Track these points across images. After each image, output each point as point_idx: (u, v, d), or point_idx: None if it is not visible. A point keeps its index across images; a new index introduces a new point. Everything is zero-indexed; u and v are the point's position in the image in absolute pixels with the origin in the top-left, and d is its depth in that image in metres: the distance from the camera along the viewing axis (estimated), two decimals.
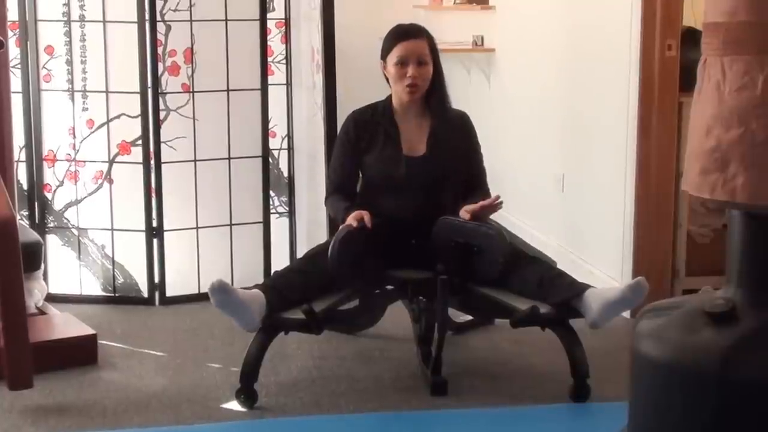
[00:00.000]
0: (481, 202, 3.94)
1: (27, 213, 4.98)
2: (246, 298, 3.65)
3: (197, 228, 5.02)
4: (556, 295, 3.77)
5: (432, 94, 4.10)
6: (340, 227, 3.97)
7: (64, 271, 5.00)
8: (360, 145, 4.11)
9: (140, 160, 4.90)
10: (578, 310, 3.73)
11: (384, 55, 4.12)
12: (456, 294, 3.90)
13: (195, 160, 4.97)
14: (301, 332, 3.89)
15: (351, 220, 3.89)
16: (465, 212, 3.93)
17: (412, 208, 4.02)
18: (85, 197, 4.97)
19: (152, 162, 4.89)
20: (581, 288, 3.76)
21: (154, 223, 4.94)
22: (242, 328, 3.74)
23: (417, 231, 3.97)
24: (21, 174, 4.95)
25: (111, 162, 4.93)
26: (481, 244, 3.86)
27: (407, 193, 4.04)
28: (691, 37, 4.57)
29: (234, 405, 3.73)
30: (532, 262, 3.94)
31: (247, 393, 3.73)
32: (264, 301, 3.71)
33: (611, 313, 3.69)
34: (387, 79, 4.16)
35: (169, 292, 4.97)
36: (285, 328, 3.85)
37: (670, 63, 4.62)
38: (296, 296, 3.79)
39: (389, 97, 4.16)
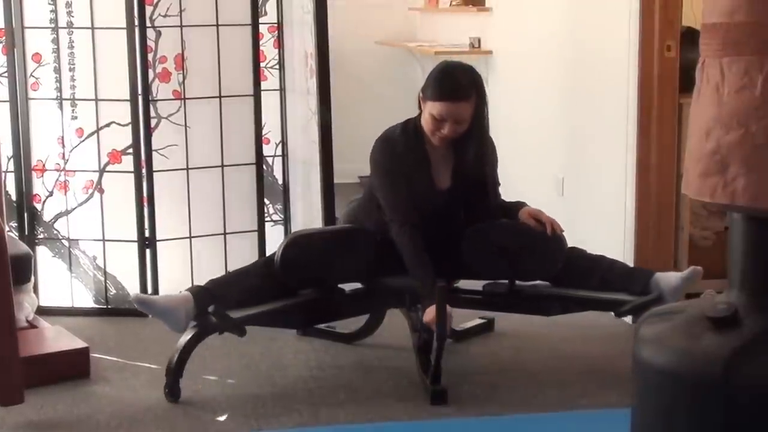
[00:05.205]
0: (548, 217, 4.15)
1: (16, 224, 4.92)
2: (169, 305, 3.84)
3: (190, 237, 4.97)
4: (633, 283, 4.00)
5: (461, 139, 4.04)
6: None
7: (55, 283, 4.94)
8: (403, 171, 4.06)
9: (131, 169, 4.84)
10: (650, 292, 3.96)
11: (425, 95, 4.02)
12: (503, 297, 4.17)
13: (187, 168, 4.92)
14: (227, 332, 3.96)
15: (431, 322, 3.81)
16: (529, 216, 4.13)
17: (426, 230, 4.04)
18: (76, 207, 4.91)
19: (144, 171, 4.84)
20: (648, 273, 4.04)
21: (147, 233, 4.88)
22: (171, 330, 3.89)
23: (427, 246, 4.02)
24: (9, 185, 4.89)
25: (101, 171, 4.87)
26: (543, 244, 4.06)
27: (423, 218, 4.05)
28: (690, 38, 4.53)
29: (230, 417, 3.69)
30: (579, 255, 4.14)
31: (171, 389, 3.85)
32: (193, 304, 3.84)
33: (675, 298, 3.92)
34: (419, 104, 4.09)
35: None
36: (211, 330, 3.94)
37: (670, 64, 4.60)
38: (235, 297, 3.94)
39: (418, 120, 4.08)
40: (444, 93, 3.96)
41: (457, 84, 3.99)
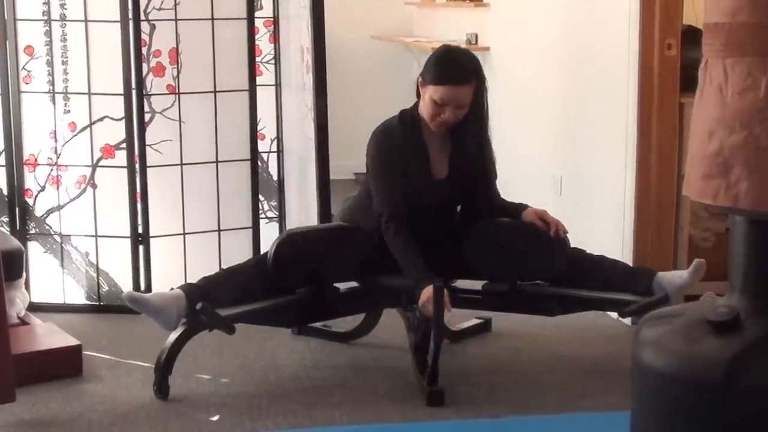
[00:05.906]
0: (553, 218, 4.11)
1: (7, 219, 4.89)
2: (161, 303, 3.81)
3: (184, 234, 4.93)
4: (637, 283, 3.97)
5: (460, 125, 4.01)
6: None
7: (47, 279, 4.90)
8: (401, 163, 4.03)
9: (125, 164, 4.80)
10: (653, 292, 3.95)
11: (424, 79, 3.98)
12: (504, 296, 4.12)
13: (181, 164, 4.88)
14: (220, 331, 3.92)
15: (426, 302, 3.78)
16: (534, 215, 4.09)
17: (423, 224, 4.01)
18: (68, 203, 4.87)
19: (137, 166, 4.80)
20: (651, 273, 4.01)
21: (140, 229, 4.85)
22: (162, 328, 3.88)
23: (424, 243, 3.99)
24: (1, 179, 4.86)
25: (94, 166, 4.83)
26: (547, 244, 4.04)
27: (420, 211, 4.03)
28: (692, 36, 4.50)
29: (224, 417, 3.66)
30: (580, 256, 4.12)
31: (159, 386, 3.84)
32: (184, 302, 3.81)
33: (681, 296, 3.96)
34: (418, 91, 4.05)
35: None
36: (201, 327, 3.92)
37: (670, 63, 4.56)
38: (228, 295, 3.91)
39: (416, 108, 4.05)
40: (445, 76, 3.93)
41: (459, 67, 3.96)
